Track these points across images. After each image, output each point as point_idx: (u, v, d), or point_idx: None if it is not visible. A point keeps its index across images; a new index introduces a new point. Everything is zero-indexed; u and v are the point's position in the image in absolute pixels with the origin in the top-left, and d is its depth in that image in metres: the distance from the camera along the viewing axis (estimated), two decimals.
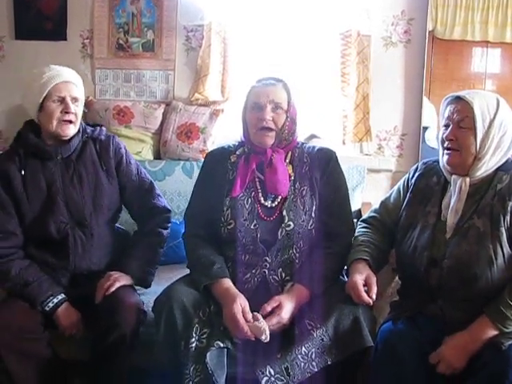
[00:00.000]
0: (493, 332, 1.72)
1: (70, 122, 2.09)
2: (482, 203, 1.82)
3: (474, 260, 1.76)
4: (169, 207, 2.32)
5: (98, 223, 2.16)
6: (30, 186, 2.10)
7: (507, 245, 1.76)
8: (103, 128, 2.25)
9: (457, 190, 1.83)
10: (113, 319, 1.95)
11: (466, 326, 1.77)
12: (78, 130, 2.15)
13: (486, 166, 1.82)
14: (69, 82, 2.09)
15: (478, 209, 1.82)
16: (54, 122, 2.07)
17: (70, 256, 2.11)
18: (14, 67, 3.29)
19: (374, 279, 1.86)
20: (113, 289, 2.05)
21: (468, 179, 1.83)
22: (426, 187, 1.95)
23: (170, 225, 2.30)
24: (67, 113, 2.07)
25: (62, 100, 2.07)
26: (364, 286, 1.84)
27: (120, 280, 2.09)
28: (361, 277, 1.85)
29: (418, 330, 1.84)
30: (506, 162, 1.85)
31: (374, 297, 1.83)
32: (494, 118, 1.80)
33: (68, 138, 2.11)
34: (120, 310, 1.97)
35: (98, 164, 2.18)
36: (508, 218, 1.77)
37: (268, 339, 1.82)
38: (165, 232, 2.26)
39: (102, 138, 2.21)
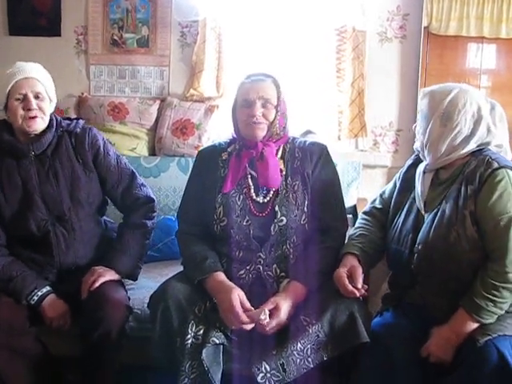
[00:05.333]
0: (472, 324, 1.73)
1: (36, 117, 2.06)
2: (451, 188, 1.84)
3: (441, 243, 1.79)
4: (152, 196, 2.28)
5: (79, 217, 2.14)
6: (6, 186, 2.09)
7: (471, 227, 1.77)
8: (80, 121, 2.22)
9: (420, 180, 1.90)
10: (97, 315, 1.94)
11: (446, 311, 1.79)
12: (52, 125, 2.12)
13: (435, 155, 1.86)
14: (30, 78, 2.05)
15: (448, 194, 1.84)
16: (19, 120, 2.04)
17: (53, 252, 2.11)
18: (8, 63, 3.23)
19: (358, 270, 1.86)
20: (97, 284, 2.03)
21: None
22: (413, 176, 1.98)
23: (155, 214, 2.27)
24: (29, 109, 2.04)
25: (24, 97, 2.04)
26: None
27: (104, 275, 2.07)
28: (344, 269, 1.86)
29: (406, 319, 1.87)
30: (483, 148, 1.86)
31: (360, 286, 1.82)
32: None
33: (37, 132, 2.08)
34: (105, 306, 1.96)
35: (74, 157, 2.14)
36: (470, 201, 1.78)
37: (268, 319, 1.82)
38: (149, 222, 2.23)
39: (78, 130, 2.17)
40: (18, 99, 2.04)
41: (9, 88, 2.03)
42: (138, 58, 3.23)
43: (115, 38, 3.23)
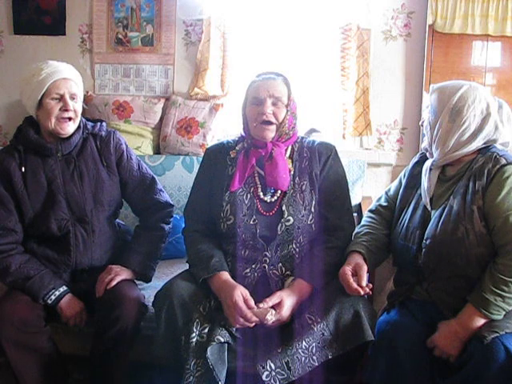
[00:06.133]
0: (480, 319, 1.73)
1: (69, 119, 2.07)
2: (459, 184, 1.85)
3: (448, 238, 1.79)
4: (171, 202, 2.31)
5: (99, 219, 2.15)
6: (30, 183, 2.09)
7: (479, 222, 1.77)
8: (104, 124, 2.24)
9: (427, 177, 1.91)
10: (114, 313, 1.95)
11: (453, 307, 1.79)
12: (79, 127, 2.13)
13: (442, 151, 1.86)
14: (67, 79, 2.07)
15: (455, 189, 1.85)
16: (53, 120, 2.05)
17: (71, 252, 2.11)
18: (13, 62, 3.28)
19: (363, 268, 1.86)
20: (114, 283, 2.05)
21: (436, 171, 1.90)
22: (419, 173, 1.98)
23: (172, 219, 2.30)
24: (66, 110, 2.05)
25: (61, 97, 2.05)
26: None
27: (121, 274, 2.09)
28: (349, 267, 1.87)
29: (411, 317, 1.87)
30: (490, 145, 1.86)
31: (364, 284, 1.82)
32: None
33: (67, 135, 2.10)
34: (121, 303, 1.97)
35: (99, 160, 2.17)
36: (478, 196, 1.79)
37: (274, 319, 1.82)
38: (166, 227, 2.26)
39: (103, 133, 2.19)
40: (55, 99, 2.05)
41: (46, 87, 2.03)
42: (142, 57, 3.23)
43: (120, 36, 3.24)
